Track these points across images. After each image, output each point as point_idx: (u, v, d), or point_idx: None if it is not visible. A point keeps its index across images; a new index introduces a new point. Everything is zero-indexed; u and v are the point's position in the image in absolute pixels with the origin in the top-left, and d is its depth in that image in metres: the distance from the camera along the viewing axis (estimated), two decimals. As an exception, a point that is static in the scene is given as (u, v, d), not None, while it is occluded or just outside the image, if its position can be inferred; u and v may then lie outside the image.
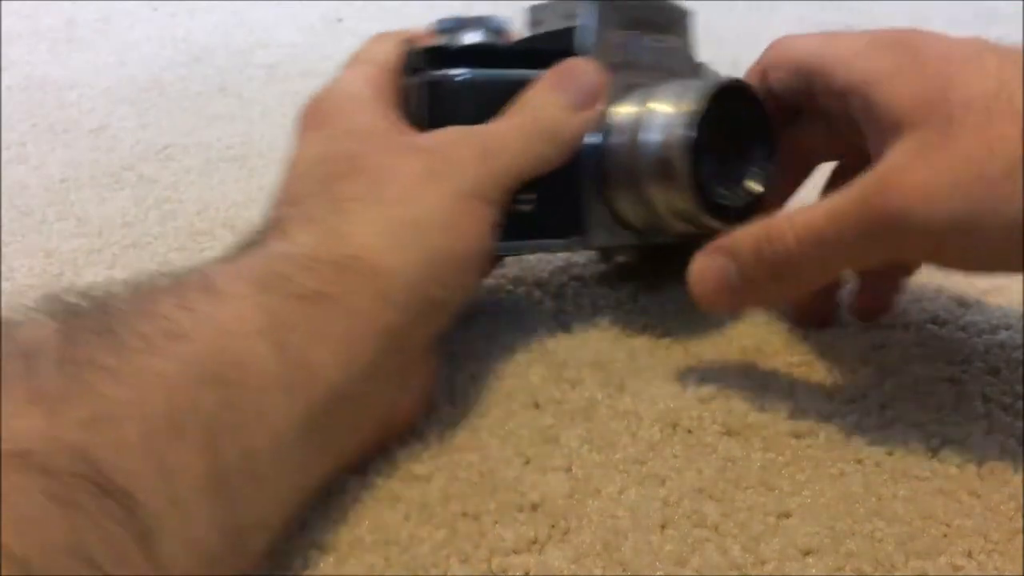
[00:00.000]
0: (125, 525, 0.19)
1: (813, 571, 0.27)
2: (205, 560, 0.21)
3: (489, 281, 0.40)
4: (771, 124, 0.34)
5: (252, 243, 0.28)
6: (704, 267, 0.31)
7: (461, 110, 0.32)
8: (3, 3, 0.79)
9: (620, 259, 0.37)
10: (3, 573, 0.17)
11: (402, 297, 0.28)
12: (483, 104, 0.32)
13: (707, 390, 0.33)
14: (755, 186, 0.34)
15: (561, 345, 0.36)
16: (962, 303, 0.39)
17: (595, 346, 0.36)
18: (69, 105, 0.61)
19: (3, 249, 0.44)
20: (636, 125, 0.33)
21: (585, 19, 0.34)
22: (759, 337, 0.37)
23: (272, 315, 0.24)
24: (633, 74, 0.35)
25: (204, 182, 0.50)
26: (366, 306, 0.27)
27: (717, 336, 0.37)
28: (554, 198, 0.33)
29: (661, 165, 0.32)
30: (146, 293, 0.24)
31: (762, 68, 0.34)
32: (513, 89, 0.33)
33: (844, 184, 0.29)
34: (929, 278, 0.40)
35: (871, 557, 0.27)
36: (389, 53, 0.35)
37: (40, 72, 0.67)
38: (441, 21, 0.34)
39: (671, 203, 0.33)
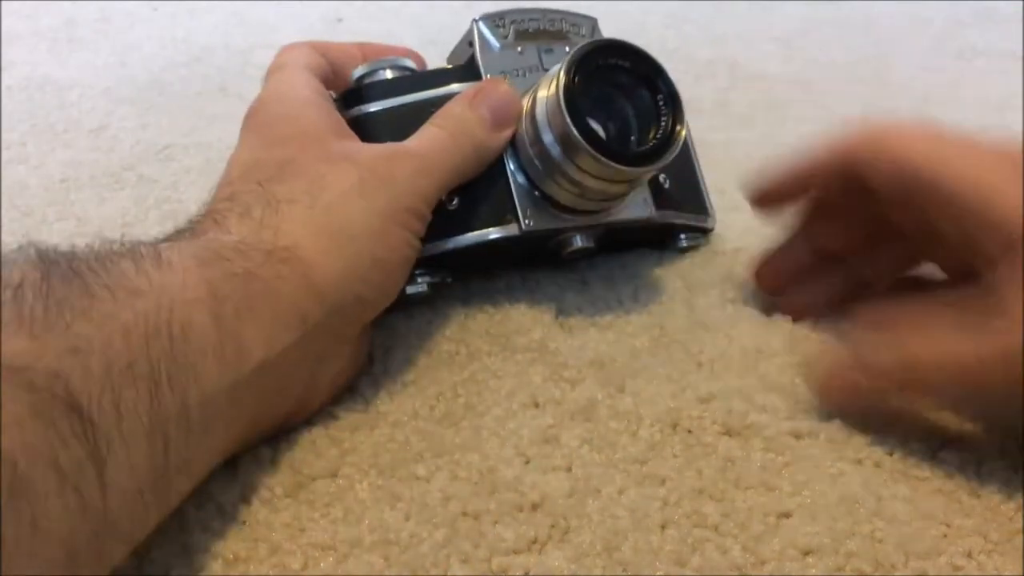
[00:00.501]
0: (84, 445, 0.21)
1: (813, 571, 0.27)
2: (137, 490, 0.23)
3: (488, 282, 0.40)
4: (657, 65, 0.36)
5: (188, 231, 0.30)
6: (834, 371, 0.32)
7: (385, 135, 0.36)
8: (3, 3, 0.79)
9: (579, 245, 0.38)
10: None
11: (326, 291, 0.30)
12: (401, 126, 0.36)
13: (707, 390, 0.33)
14: (663, 126, 0.35)
15: (561, 345, 0.36)
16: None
17: (595, 346, 0.36)
18: (69, 105, 0.61)
19: (3, 249, 0.44)
20: (532, 114, 0.35)
21: (477, 39, 0.38)
22: (759, 337, 0.37)
23: (211, 287, 0.27)
24: (525, 80, 0.38)
25: (204, 182, 0.50)
26: (292, 293, 0.29)
27: (717, 336, 0.37)
28: (476, 192, 0.36)
29: (560, 139, 0.34)
30: (107, 255, 0.26)
31: (848, 151, 0.33)
32: (424, 107, 0.36)
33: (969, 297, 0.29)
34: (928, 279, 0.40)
35: (871, 557, 0.27)
36: (309, 56, 0.38)
37: (40, 72, 0.67)
38: (355, 72, 0.38)
39: (587, 169, 0.34)
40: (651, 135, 0.35)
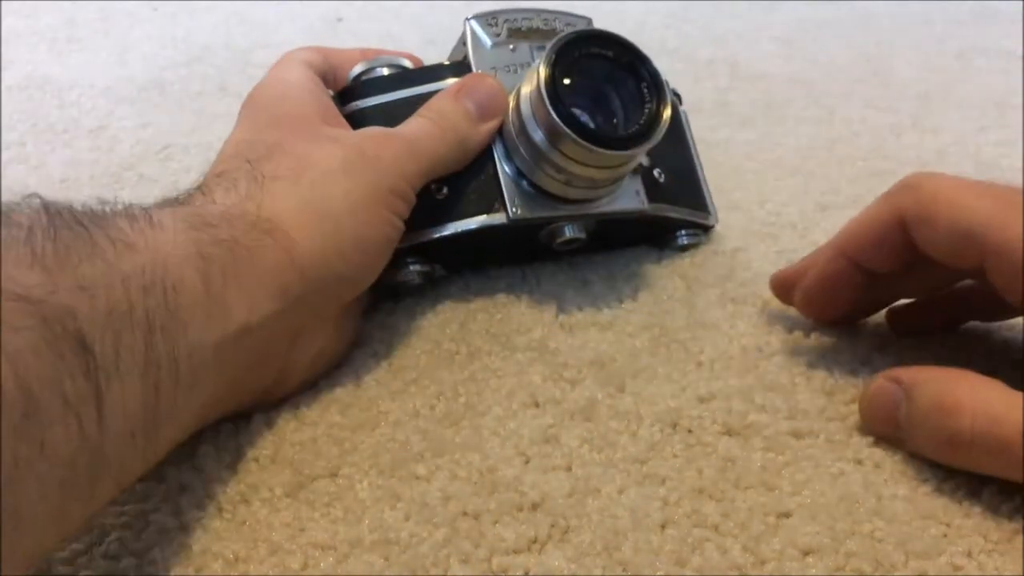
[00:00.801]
0: (88, 380, 0.23)
1: (813, 571, 0.27)
2: (130, 432, 0.24)
3: (488, 281, 0.40)
4: (639, 53, 0.36)
5: (175, 200, 0.31)
6: (880, 390, 0.31)
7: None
8: (3, 3, 0.79)
9: (569, 235, 0.38)
10: (13, 395, 0.20)
11: (307, 266, 0.30)
12: (393, 120, 0.36)
13: (707, 390, 0.33)
14: (647, 112, 0.35)
15: (561, 345, 0.36)
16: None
17: (595, 346, 0.36)
18: (69, 105, 0.61)
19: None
20: (517, 105, 0.36)
21: (469, 37, 0.39)
22: (759, 337, 0.37)
23: (199, 249, 0.28)
24: (516, 76, 0.38)
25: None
26: (273, 264, 0.30)
27: (717, 336, 0.37)
28: (466, 182, 0.37)
29: (544, 127, 0.34)
30: (104, 213, 0.27)
31: (899, 210, 0.32)
32: (416, 102, 0.37)
33: None
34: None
35: (871, 557, 0.27)
36: (311, 55, 0.39)
37: (40, 72, 0.67)
38: (353, 71, 0.39)
39: (572, 155, 0.34)
40: (637, 121, 0.35)
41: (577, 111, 0.35)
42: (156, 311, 0.25)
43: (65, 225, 0.25)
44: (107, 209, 0.27)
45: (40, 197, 0.26)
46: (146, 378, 0.25)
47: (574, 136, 0.33)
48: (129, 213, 0.27)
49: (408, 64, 0.40)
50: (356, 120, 0.37)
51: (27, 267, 0.23)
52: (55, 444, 0.21)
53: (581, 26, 0.40)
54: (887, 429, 0.31)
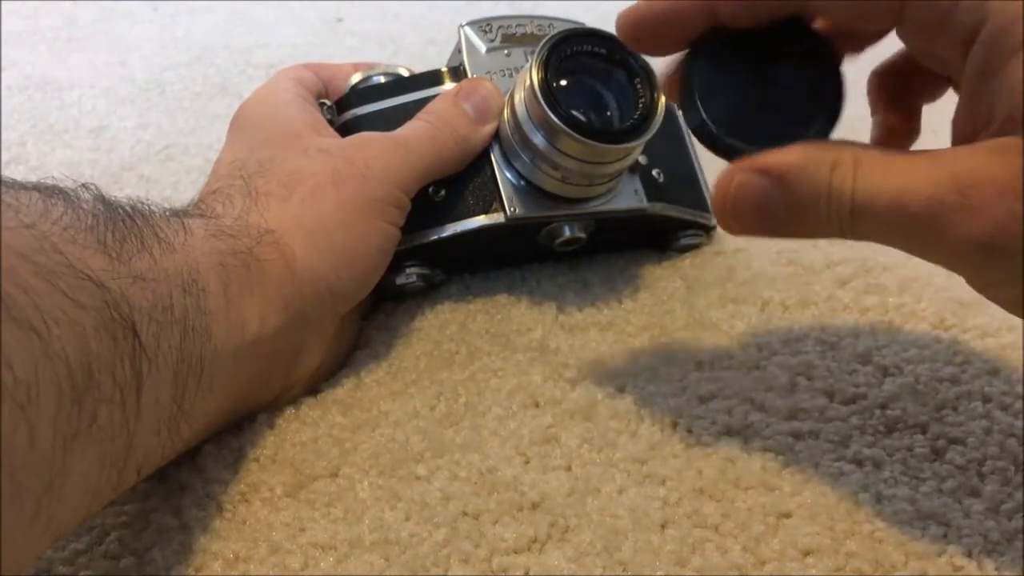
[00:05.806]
0: (133, 367, 0.24)
1: (813, 571, 0.27)
2: (156, 425, 0.25)
3: (488, 282, 0.40)
4: (626, 47, 0.35)
5: (183, 212, 0.31)
6: (742, 184, 0.26)
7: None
8: (3, 3, 0.79)
9: (568, 235, 0.38)
10: (76, 367, 0.21)
11: (305, 282, 0.31)
12: (390, 126, 0.36)
13: (707, 390, 0.33)
14: (641, 105, 0.35)
15: (561, 345, 0.36)
16: (963, 304, 0.38)
17: (595, 346, 0.36)
18: (69, 105, 0.61)
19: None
20: (512, 106, 0.36)
21: (463, 43, 0.39)
22: (759, 337, 0.37)
23: (221, 259, 0.29)
24: (511, 81, 0.38)
25: (204, 182, 0.50)
26: (278, 278, 0.30)
27: (717, 336, 0.37)
28: (463, 184, 0.37)
29: (540, 125, 0.35)
30: (146, 211, 0.28)
31: None
32: (413, 109, 0.37)
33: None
34: (930, 279, 0.40)
35: (871, 557, 0.27)
36: (299, 71, 0.39)
37: (40, 72, 0.67)
38: (351, 80, 0.40)
39: (569, 151, 0.34)
40: (631, 115, 0.36)
41: (572, 109, 0.35)
42: (191, 311, 0.26)
43: (120, 218, 0.26)
44: (148, 207, 0.28)
45: (95, 188, 0.27)
46: (177, 375, 0.26)
47: (572, 133, 0.34)
48: (165, 217, 0.28)
49: (405, 73, 0.40)
50: (353, 127, 0.38)
51: (93, 251, 0.24)
52: (102, 422, 0.22)
53: None
54: (757, 225, 0.26)
